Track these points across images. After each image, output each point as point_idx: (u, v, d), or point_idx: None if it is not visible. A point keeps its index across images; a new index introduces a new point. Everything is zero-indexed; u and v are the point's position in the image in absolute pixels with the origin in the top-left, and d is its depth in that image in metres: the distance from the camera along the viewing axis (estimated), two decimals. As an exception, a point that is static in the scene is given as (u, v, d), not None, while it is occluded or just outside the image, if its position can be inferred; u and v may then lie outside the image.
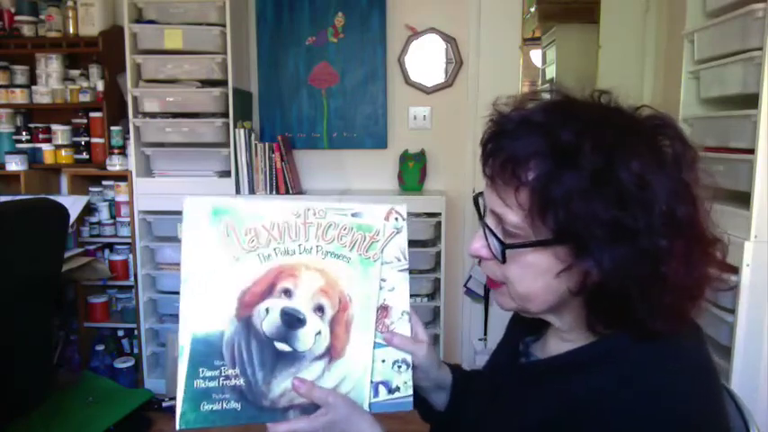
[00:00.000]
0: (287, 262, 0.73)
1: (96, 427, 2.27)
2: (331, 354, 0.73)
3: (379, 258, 0.76)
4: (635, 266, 0.57)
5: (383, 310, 0.76)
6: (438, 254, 2.55)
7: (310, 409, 0.71)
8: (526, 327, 0.78)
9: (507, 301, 0.68)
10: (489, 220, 0.66)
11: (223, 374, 0.70)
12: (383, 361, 0.75)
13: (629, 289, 0.58)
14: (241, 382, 0.70)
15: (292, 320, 0.72)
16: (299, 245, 0.74)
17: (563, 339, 0.69)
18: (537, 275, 0.63)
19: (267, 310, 0.71)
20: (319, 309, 0.73)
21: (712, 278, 0.62)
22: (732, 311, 1.48)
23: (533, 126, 0.61)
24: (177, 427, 0.70)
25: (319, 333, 0.72)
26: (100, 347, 2.68)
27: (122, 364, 2.65)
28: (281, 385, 0.71)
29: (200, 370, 0.70)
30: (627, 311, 0.60)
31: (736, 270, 1.47)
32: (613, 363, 0.61)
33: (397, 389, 0.76)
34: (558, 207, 0.58)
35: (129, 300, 2.70)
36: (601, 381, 0.60)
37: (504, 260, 0.64)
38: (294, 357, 0.72)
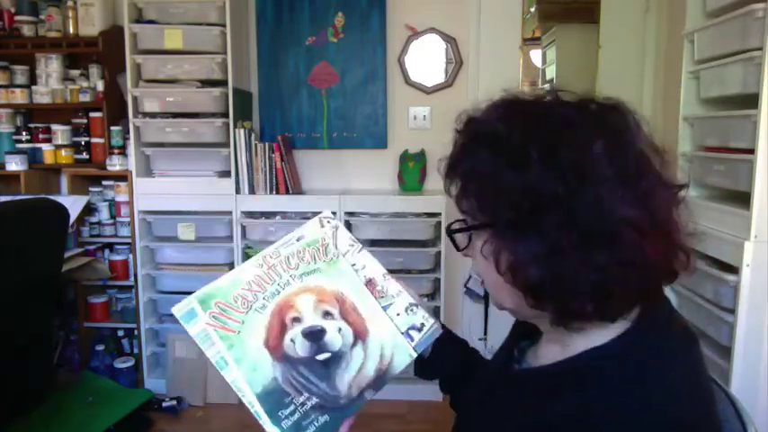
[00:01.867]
0: (280, 300, 0.83)
1: (96, 427, 2.27)
2: (360, 337, 0.83)
3: (338, 254, 0.89)
4: (536, 249, 0.59)
5: (369, 283, 0.88)
6: (438, 254, 2.55)
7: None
8: (524, 331, 0.78)
9: (492, 300, 0.71)
10: (456, 223, 0.70)
11: (298, 403, 0.78)
12: (398, 314, 0.87)
13: (539, 275, 0.59)
14: (315, 400, 0.78)
15: (316, 334, 0.81)
16: (278, 284, 0.85)
17: (551, 341, 0.69)
18: (490, 266, 0.64)
19: (293, 341, 0.80)
20: (327, 314, 0.83)
21: (656, 262, 0.60)
22: (732, 311, 1.48)
23: (475, 122, 0.67)
24: None
25: (340, 329, 0.83)
26: (100, 347, 2.68)
27: (122, 364, 2.65)
28: (344, 381, 0.80)
29: (280, 413, 0.77)
30: (548, 296, 0.60)
31: (735, 269, 1.47)
32: (602, 372, 0.60)
33: (422, 325, 0.87)
34: (471, 188, 0.63)
35: (129, 300, 2.70)
36: (590, 392, 0.59)
37: (456, 248, 0.70)
38: (337, 356, 0.81)
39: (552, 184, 0.57)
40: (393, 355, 0.84)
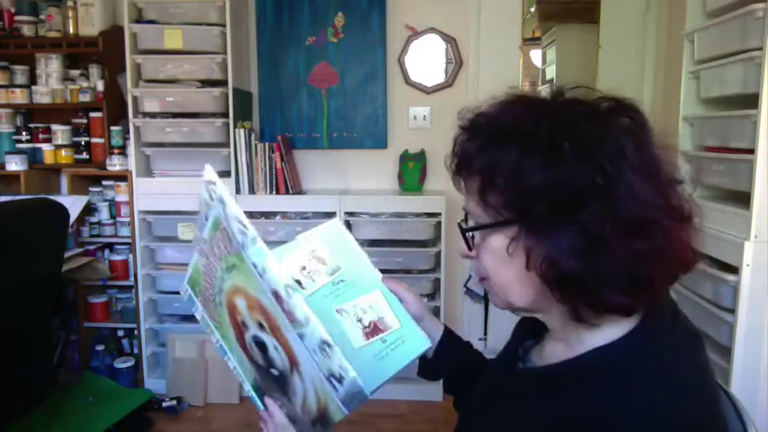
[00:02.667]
0: (225, 298, 0.73)
1: (96, 427, 2.27)
2: (293, 362, 0.66)
3: (238, 246, 0.63)
4: (575, 241, 0.58)
5: (276, 297, 0.62)
6: (438, 254, 2.55)
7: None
8: (528, 330, 0.78)
9: (495, 299, 0.70)
10: (469, 221, 0.69)
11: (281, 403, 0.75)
12: (314, 351, 0.61)
13: (577, 268, 0.58)
14: (285, 410, 0.75)
15: (261, 345, 0.70)
16: (217, 278, 0.72)
17: (557, 340, 0.69)
18: (505, 263, 0.64)
19: (250, 346, 0.72)
20: (260, 326, 0.68)
21: (683, 253, 0.61)
22: (732, 311, 1.48)
23: (484, 117, 0.66)
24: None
25: (276, 348, 0.67)
26: (100, 347, 2.68)
27: (122, 364, 2.65)
28: (297, 404, 0.71)
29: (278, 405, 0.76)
30: (582, 289, 0.59)
31: (735, 269, 1.47)
32: (606, 372, 0.60)
33: (341, 377, 0.60)
34: (497, 183, 0.61)
35: (129, 300, 2.70)
36: (594, 392, 0.59)
37: (469, 247, 0.68)
38: (282, 378, 0.70)
39: (589, 176, 0.57)
40: (327, 401, 0.63)
